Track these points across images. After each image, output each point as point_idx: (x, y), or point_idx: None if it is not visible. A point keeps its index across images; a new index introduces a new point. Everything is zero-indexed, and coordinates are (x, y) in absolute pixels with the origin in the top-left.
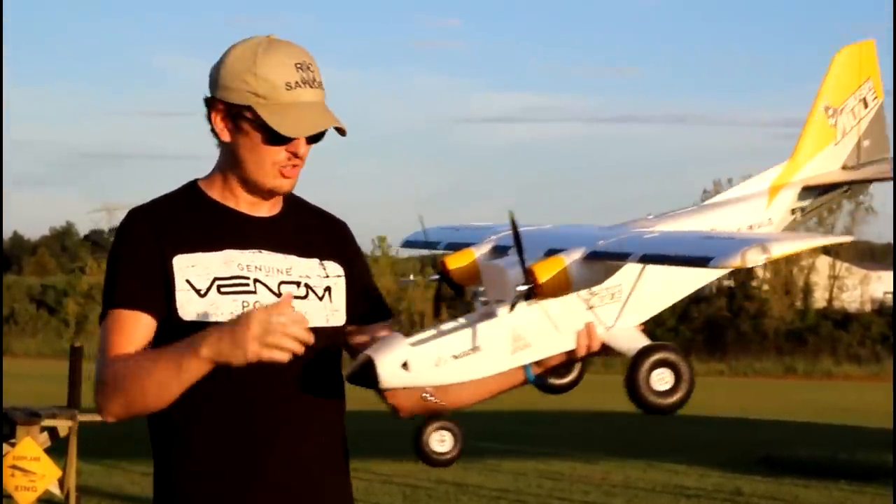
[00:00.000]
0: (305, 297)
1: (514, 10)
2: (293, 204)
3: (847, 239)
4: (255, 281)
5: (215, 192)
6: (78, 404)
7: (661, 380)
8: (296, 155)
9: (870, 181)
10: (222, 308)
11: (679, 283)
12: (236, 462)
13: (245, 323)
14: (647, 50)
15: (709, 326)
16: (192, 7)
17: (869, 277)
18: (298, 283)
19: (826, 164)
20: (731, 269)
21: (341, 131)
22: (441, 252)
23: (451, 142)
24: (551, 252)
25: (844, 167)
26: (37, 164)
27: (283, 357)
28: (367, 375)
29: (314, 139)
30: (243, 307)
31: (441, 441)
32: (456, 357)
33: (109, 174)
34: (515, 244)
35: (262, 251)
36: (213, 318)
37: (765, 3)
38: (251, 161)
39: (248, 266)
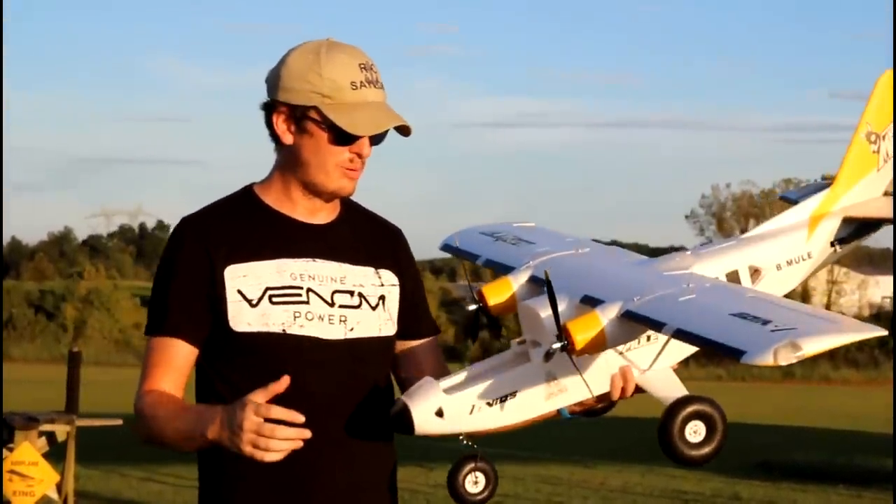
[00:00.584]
0: (359, 306)
1: (511, 16)
2: (349, 210)
3: (882, 332)
4: (308, 290)
5: (271, 198)
6: (76, 409)
7: (695, 432)
8: (359, 155)
9: None
10: (274, 318)
11: None
12: (281, 482)
13: (239, 423)
14: (644, 55)
15: None
16: (187, 13)
17: (867, 282)
18: (352, 293)
19: (867, 191)
20: (762, 365)
21: (405, 130)
22: (480, 265)
23: (447, 147)
24: (587, 299)
25: (886, 193)
26: (35, 170)
27: (277, 457)
28: (402, 421)
29: (377, 140)
30: (295, 317)
31: (475, 483)
32: (490, 405)
33: (107, 179)
34: (550, 301)
35: (317, 259)
36: (265, 329)
37: (762, 9)
38: (315, 163)
39: (300, 275)
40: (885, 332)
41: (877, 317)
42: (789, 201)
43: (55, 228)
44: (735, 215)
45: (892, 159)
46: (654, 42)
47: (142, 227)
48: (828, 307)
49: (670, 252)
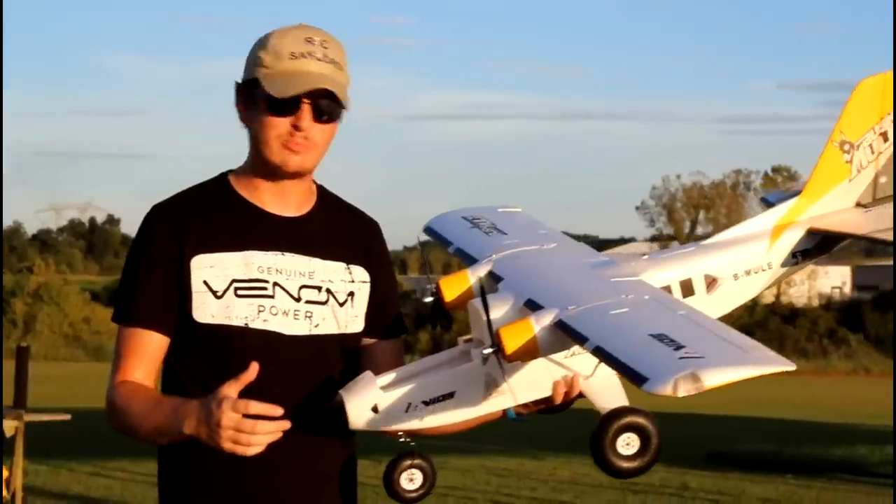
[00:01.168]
0: (325, 302)
1: (463, 8)
2: (325, 202)
3: (790, 367)
4: (275, 284)
5: (243, 187)
6: (24, 404)
7: (627, 444)
8: (298, 128)
9: (878, 241)
10: (237, 311)
11: None
12: (241, 476)
13: (217, 421)
14: (593, 47)
15: None
16: (139, 6)
17: (816, 272)
18: (320, 288)
19: (838, 201)
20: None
21: (338, 102)
22: (451, 252)
23: (397, 139)
24: (530, 303)
25: (858, 204)
26: None
27: (258, 450)
28: (339, 415)
29: (322, 117)
30: (259, 312)
31: (410, 480)
32: (427, 403)
33: (57, 173)
34: (483, 308)
35: (286, 253)
36: (227, 322)
37: (709, 0)
38: (260, 138)
39: (268, 268)
40: (793, 367)
41: (826, 307)
42: (768, 203)
43: (4, 223)
44: (685, 206)
45: (865, 170)
46: (604, 34)
47: (92, 221)
48: (777, 297)
49: (620, 243)
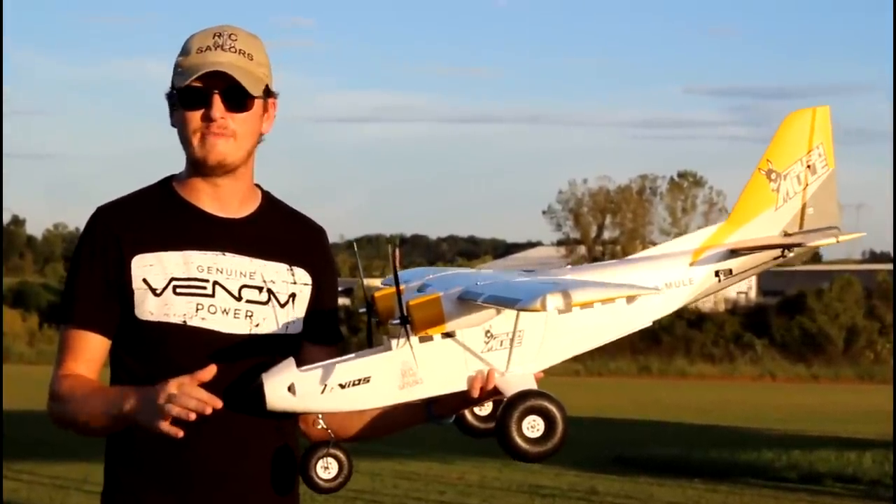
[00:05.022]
0: (266, 302)
1: (367, 10)
2: (269, 206)
3: (655, 291)
4: (215, 283)
5: (183, 190)
6: None
7: (532, 427)
8: (210, 118)
9: (796, 246)
10: (175, 309)
11: (586, 335)
12: (169, 470)
13: (157, 391)
14: (498, 50)
15: None
16: (45, 4)
17: None
18: (261, 289)
19: (764, 228)
20: (535, 311)
21: (241, 90)
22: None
23: (302, 142)
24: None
25: (785, 234)
26: None
27: (191, 417)
28: (257, 397)
29: (233, 105)
30: (197, 310)
31: (325, 468)
32: (343, 386)
33: None
34: (394, 278)
35: (226, 253)
36: (166, 319)
37: (617, 4)
38: (182, 136)
39: (208, 268)
40: (658, 291)
41: (732, 311)
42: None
43: None
44: (592, 211)
45: (791, 200)
46: (510, 37)
47: None
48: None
49: (527, 247)
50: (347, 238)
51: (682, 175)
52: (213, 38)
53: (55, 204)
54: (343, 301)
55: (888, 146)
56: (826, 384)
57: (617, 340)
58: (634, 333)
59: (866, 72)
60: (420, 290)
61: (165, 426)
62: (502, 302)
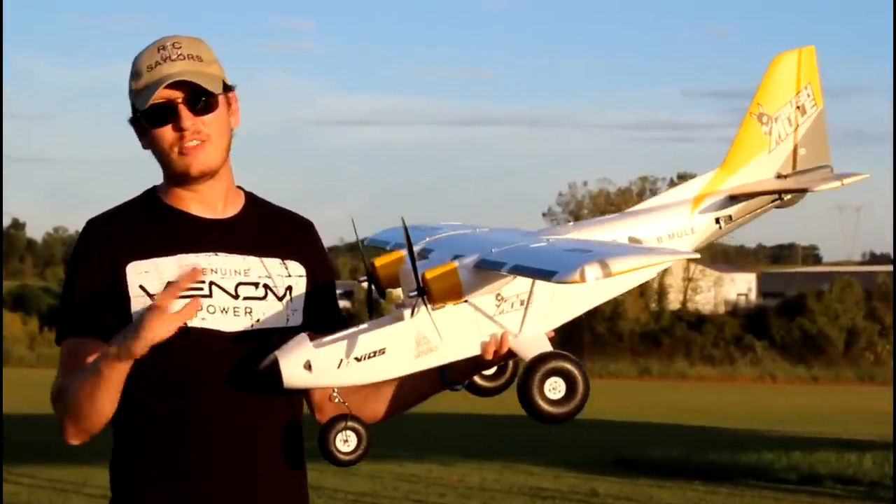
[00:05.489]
0: (264, 297)
1: (367, 13)
2: (254, 205)
3: (695, 255)
4: (211, 284)
5: (167, 198)
6: None
7: (554, 388)
8: (181, 128)
9: (799, 190)
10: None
11: (595, 290)
12: (175, 467)
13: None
14: (498, 53)
15: (564, 328)
16: (46, 8)
17: (722, 279)
18: (257, 284)
19: (758, 172)
20: (573, 283)
21: (203, 92)
22: (389, 249)
23: (301, 144)
24: (456, 258)
25: (779, 175)
26: None
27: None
28: (272, 375)
29: (199, 109)
30: (196, 311)
31: (345, 441)
32: (359, 360)
33: None
34: (408, 249)
35: (219, 253)
36: None
37: (617, 7)
38: (158, 154)
39: (203, 269)
40: (697, 256)
41: (732, 313)
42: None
43: None
44: (592, 213)
45: (784, 142)
46: (509, 39)
47: None
48: (684, 304)
49: None
50: (347, 241)
51: (681, 177)
52: (158, 52)
53: (55, 207)
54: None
55: (889, 148)
56: (826, 386)
57: (616, 344)
58: (634, 336)
59: (867, 73)
60: (423, 255)
61: (149, 332)
62: (534, 273)
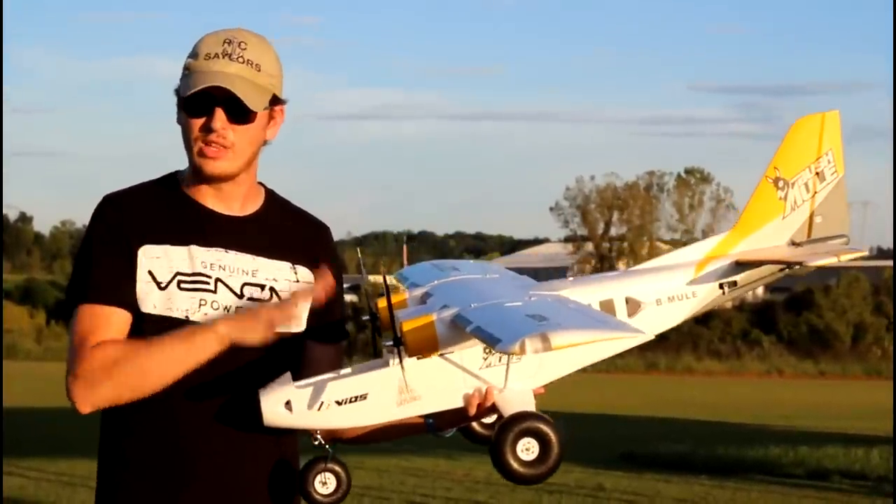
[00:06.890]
0: (269, 300)
1: (372, 7)
2: (273, 204)
3: (648, 337)
4: (217, 280)
5: (187, 187)
6: None
7: (527, 449)
8: (210, 129)
9: (798, 263)
10: (178, 304)
11: (587, 350)
12: (163, 477)
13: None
14: (506, 48)
15: None
16: (51, 2)
17: None
18: (263, 287)
19: (771, 238)
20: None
21: (242, 106)
22: (406, 287)
23: (308, 139)
24: (444, 308)
25: (792, 243)
26: None
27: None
28: (255, 411)
29: (235, 118)
30: (200, 305)
31: (323, 484)
32: (339, 403)
33: None
34: (387, 300)
35: (229, 251)
36: (168, 314)
37: (625, 2)
38: (184, 140)
39: (211, 264)
40: (651, 337)
41: (739, 308)
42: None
43: None
44: (599, 207)
45: (799, 208)
46: (517, 34)
47: (3, 219)
48: None
49: (534, 244)
50: (355, 235)
51: (689, 172)
52: (223, 44)
53: (62, 201)
54: (350, 298)
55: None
56: (833, 380)
57: None
58: None
59: (873, 68)
60: (424, 299)
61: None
62: (485, 338)
